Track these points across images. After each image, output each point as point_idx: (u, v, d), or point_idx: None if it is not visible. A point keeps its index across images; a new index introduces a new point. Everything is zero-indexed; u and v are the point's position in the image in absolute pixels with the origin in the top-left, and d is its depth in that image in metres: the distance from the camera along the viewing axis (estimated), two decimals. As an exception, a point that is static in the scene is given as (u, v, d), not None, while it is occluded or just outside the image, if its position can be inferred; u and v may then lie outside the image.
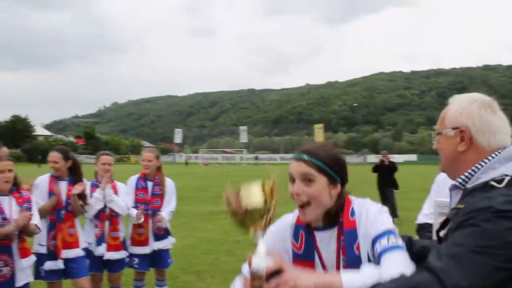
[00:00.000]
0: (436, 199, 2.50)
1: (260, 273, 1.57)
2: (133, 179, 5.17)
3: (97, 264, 4.87)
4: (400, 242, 1.70)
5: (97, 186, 4.91)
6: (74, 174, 4.65)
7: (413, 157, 68.31)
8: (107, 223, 4.91)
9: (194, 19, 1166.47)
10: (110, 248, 4.87)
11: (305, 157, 1.85)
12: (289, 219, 2.00)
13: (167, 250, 5.18)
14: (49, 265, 4.40)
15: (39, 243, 4.46)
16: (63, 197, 4.51)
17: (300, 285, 1.54)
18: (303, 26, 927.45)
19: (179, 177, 28.21)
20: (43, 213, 4.30)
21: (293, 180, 1.86)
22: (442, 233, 1.60)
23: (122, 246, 4.99)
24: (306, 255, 1.87)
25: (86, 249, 4.71)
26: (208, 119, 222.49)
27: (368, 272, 1.61)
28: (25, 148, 59.94)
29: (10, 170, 3.93)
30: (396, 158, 37.87)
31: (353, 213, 1.83)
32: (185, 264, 7.25)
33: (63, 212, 4.50)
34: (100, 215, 4.85)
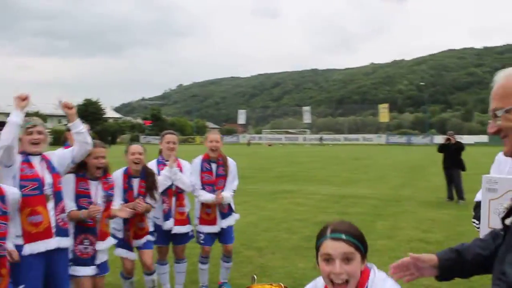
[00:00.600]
0: (484, 175, 2.41)
1: None
2: (197, 162, 5.31)
3: (164, 237, 5.15)
4: None
5: (163, 164, 5.17)
6: (145, 170, 4.84)
7: (483, 138, 65.29)
8: (173, 199, 5.18)
9: (258, 0, 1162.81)
10: (177, 223, 5.14)
11: (343, 236, 1.91)
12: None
13: (231, 226, 5.39)
14: (119, 252, 4.77)
15: (116, 228, 4.78)
16: (135, 193, 4.72)
17: None
18: (369, 4, 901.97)
19: (242, 157, 28.62)
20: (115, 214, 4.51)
21: (329, 259, 1.89)
22: (508, 221, 1.47)
23: (188, 220, 5.28)
24: None
25: (153, 224, 5.03)
26: (271, 100, 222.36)
27: None
28: (97, 129, 62.69)
29: (103, 157, 4.19)
30: (465, 139, 36.46)
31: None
32: (247, 240, 7.50)
33: None
34: (168, 192, 5.09)
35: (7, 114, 3.74)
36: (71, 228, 4.02)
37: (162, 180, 5.00)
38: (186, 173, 5.22)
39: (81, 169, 4.16)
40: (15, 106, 3.62)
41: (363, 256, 1.92)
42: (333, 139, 70.32)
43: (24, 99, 3.64)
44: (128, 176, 4.72)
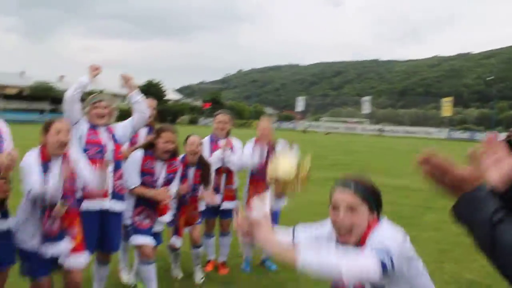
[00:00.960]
0: None
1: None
2: (249, 146, 5.46)
3: (212, 212, 5.41)
4: (384, 258, 1.80)
5: (215, 142, 5.40)
6: (201, 160, 5.05)
7: (554, 137, 61.88)
8: (223, 176, 5.38)
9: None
10: (225, 199, 5.39)
11: (351, 186, 2.00)
12: (326, 231, 2.19)
13: (279, 209, 5.51)
14: (172, 240, 5.01)
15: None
16: (190, 181, 4.96)
17: (258, 235, 1.74)
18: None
19: (299, 144, 28.47)
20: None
21: (335, 207, 2.01)
22: None
23: (235, 197, 5.47)
24: None
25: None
26: (331, 88, 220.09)
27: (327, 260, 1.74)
28: (157, 110, 64.39)
29: (173, 142, 4.39)
30: (532, 137, 34.69)
31: (369, 240, 1.96)
32: (294, 224, 7.57)
33: (188, 196, 4.98)
34: (218, 170, 5.32)
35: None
36: (131, 198, 4.29)
37: (214, 161, 5.21)
38: (238, 152, 5.38)
39: (150, 148, 4.39)
40: (87, 72, 4.14)
41: (372, 209, 1.99)
42: (393, 131, 68.82)
43: (96, 68, 4.12)
44: (185, 165, 4.91)
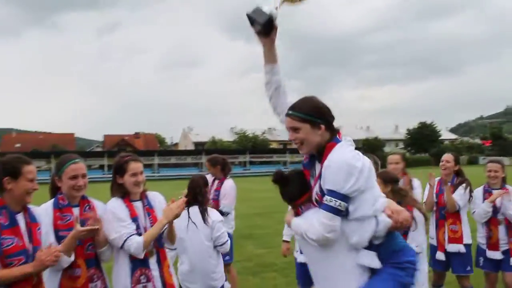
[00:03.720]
0: None
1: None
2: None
3: (492, 264, 5.20)
4: (333, 203, 2.33)
5: (489, 192, 5.20)
6: (460, 174, 5.33)
7: None
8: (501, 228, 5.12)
9: None
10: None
11: (290, 112, 2.55)
12: None
13: None
14: (437, 255, 5.27)
15: (431, 236, 5.35)
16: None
17: None
18: None
19: None
20: None
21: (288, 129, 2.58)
22: None
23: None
24: (306, 166, 2.67)
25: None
26: None
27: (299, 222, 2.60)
28: (433, 152, 62.58)
29: None
30: None
31: (326, 160, 2.46)
32: None
33: (443, 211, 5.26)
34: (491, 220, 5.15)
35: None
36: None
37: (481, 213, 5.15)
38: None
39: None
40: None
41: (315, 124, 2.50)
42: None
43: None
44: None
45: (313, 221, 2.44)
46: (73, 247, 3.02)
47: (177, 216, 3.34)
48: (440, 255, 5.27)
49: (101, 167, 55.22)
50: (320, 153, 2.52)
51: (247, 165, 61.71)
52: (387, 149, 77.73)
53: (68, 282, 3.06)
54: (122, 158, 3.43)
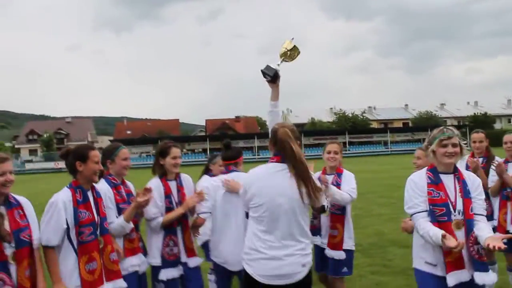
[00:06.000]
0: None
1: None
2: None
3: None
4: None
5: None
6: None
7: None
8: None
9: None
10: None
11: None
12: None
13: None
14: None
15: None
16: None
17: None
18: None
19: None
20: None
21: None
22: None
23: None
24: None
25: None
26: None
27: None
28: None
29: None
30: None
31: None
32: None
33: (505, 192, 4.89)
34: None
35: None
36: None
37: None
38: None
39: None
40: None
41: None
42: None
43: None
44: None
45: None
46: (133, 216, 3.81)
47: (190, 207, 4.08)
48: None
49: (204, 150, 57.22)
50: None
51: (346, 145, 60.96)
52: (497, 125, 72.89)
53: (129, 244, 3.89)
54: (166, 144, 4.15)
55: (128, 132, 79.69)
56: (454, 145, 3.12)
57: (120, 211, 3.80)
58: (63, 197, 3.32)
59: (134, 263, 3.87)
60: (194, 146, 60.75)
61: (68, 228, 3.28)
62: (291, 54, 3.73)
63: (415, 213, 3.17)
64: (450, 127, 3.23)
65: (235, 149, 4.33)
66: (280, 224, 3.00)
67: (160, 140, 50.26)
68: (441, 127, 3.26)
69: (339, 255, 4.53)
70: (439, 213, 3.10)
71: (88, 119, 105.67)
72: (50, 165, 57.16)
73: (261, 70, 3.63)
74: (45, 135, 71.92)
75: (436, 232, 2.94)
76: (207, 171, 5.54)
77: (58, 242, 3.27)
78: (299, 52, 3.75)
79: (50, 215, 3.27)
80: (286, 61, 3.74)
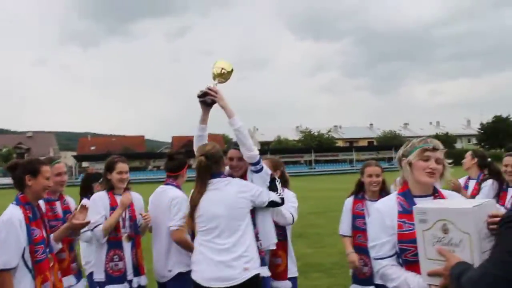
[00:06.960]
0: (415, 206, 2.28)
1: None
2: None
3: None
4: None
5: (504, 191, 4.82)
6: None
7: None
8: None
9: None
10: None
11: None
12: None
13: None
14: None
15: None
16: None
17: None
18: None
19: None
20: None
21: None
22: None
23: None
24: None
25: None
26: None
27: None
28: (509, 147, 59.57)
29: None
30: None
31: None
32: None
33: None
34: None
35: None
36: None
37: None
38: None
39: (360, 190, 4.48)
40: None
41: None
42: None
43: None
44: None
45: None
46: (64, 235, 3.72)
47: (126, 206, 3.99)
48: None
49: (170, 167, 56.56)
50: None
51: (312, 163, 61.31)
52: (458, 145, 74.89)
53: (59, 265, 3.62)
54: (113, 159, 4.12)
55: (92, 147, 78.28)
56: (438, 161, 2.41)
57: (51, 228, 3.56)
58: (17, 214, 3.08)
59: (64, 285, 3.67)
60: (159, 163, 60.22)
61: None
62: (226, 74, 3.67)
63: (381, 259, 2.41)
64: (434, 139, 2.48)
65: (177, 161, 4.18)
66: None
67: (125, 156, 49.82)
68: (424, 137, 2.54)
69: (285, 285, 4.06)
70: (410, 252, 2.30)
71: (50, 134, 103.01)
72: (8, 180, 55.31)
73: (197, 95, 3.62)
74: (3, 150, 69.79)
75: (418, 280, 2.21)
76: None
77: (17, 263, 3.02)
78: (232, 71, 3.71)
79: (6, 234, 2.99)
80: (221, 81, 3.66)
